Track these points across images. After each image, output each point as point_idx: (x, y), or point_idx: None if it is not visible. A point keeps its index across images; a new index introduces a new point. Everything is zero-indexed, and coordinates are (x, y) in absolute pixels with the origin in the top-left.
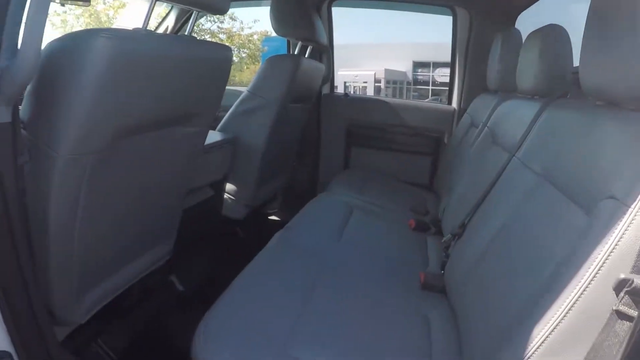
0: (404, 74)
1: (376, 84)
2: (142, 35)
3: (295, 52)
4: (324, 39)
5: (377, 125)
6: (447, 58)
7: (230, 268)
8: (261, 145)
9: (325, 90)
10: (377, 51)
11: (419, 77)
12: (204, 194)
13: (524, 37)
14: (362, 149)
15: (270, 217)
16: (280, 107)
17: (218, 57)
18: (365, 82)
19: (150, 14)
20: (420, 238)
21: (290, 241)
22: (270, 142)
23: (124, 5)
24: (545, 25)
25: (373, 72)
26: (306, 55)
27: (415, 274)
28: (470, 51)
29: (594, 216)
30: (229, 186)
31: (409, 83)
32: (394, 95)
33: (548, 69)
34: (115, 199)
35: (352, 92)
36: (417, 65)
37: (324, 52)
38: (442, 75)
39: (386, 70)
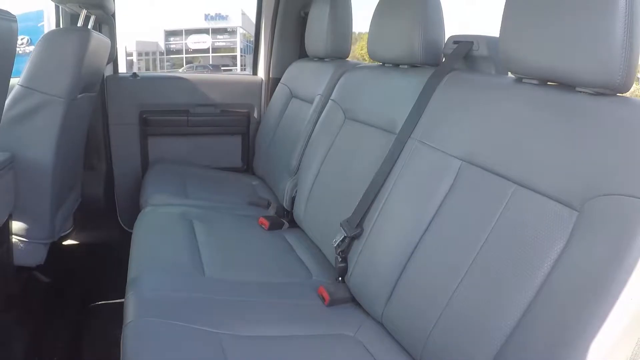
0: (156, 44)
1: (128, 58)
2: None
3: (79, 24)
4: (113, 6)
5: (176, 107)
6: (199, 24)
7: (53, 334)
8: (50, 160)
9: (108, 71)
10: (125, 22)
11: (172, 46)
12: None
13: None
14: (161, 138)
15: (65, 244)
16: (68, 102)
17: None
18: None
19: None
20: (280, 240)
21: (151, 302)
22: (60, 152)
23: None
24: None
25: (123, 45)
26: (90, 27)
27: (308, 291)
28: (280, 15)
29: (587, 214)
30: (17, 225)
31: (161, 53)
32: (147, 68)
33: (423, 36)
34: None
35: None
36: (169, 34)
37: (105, 22)
38: (195, 42)
39: (137, 42)
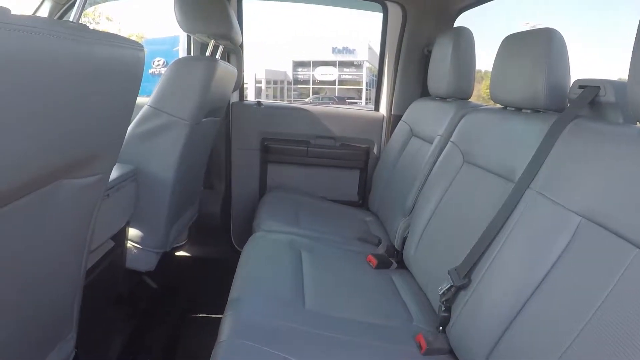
0: (284, 73)
1: (257, 85)
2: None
3: (207, 53)
4: (240, 37)
5: (297, 137)
6: (326, 57)
7: (151, 337)
8: (170, 176)
9: (234, 98)
10: (255, 51)
11: (299, 77)
12: (102, 248)
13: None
14: (280, 165)
15: (177, 254)
16: (192, 125)
17: (127, 59)
18: (246, 83)
19: None
20: (386, 280)
21: (248, 325)
22: (180, 170)
23: None
24: (539, 29)
25: (253, 73)
26: (218, 57)
27: (406, 337)
28: (403, 52)
29: None
30: (133, 232)
31: (289, 82)
32: (274, 96)
33: (547, 79)
34: None
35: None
36: (297, 64)
37: (233, 52)
38: (322, 74)
39: (267, 71)
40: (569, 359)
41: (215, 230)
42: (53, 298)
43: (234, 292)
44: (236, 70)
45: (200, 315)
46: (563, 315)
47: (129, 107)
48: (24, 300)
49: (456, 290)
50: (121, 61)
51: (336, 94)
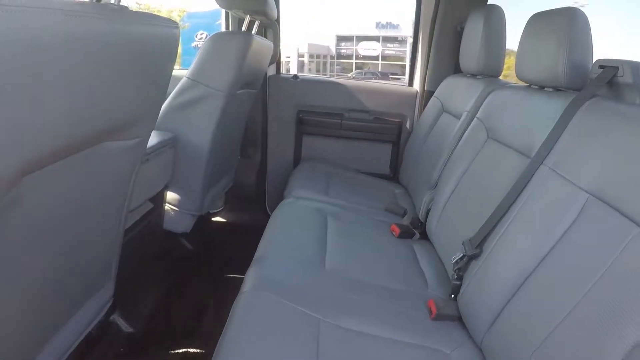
0: (327, 47)
1: (299, 59)
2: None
3: (243, 28)
4: (275, 12)
5: (332, 110)
6: (370, 32)
7: (183, 294)
8: (206, 144)
9: (271, 71)
10: (298, 24)
11: (343, 51)
12: (141, 209)
13: None
14: (315, 137)
15: (214, 220)
16: (228, 96)
17: (163, 36)
18: (288, 57)
19: None
20: (407, 248)
21: (269, 279)
22: (216, 139)
23: None
24: (563, 8)
25: (296, 47)
26: (254, 31)
27: (418, 302)
28: (437, 28)
29: None
30: (171, 195)
31: (332, 57)
32: (317, 70)
33: (568, 58)
34: (28, 255)
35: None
36: (341, 39)
37: (270, 27)
38: (365, 49)
39: (309, 45)
40: (565, 328)
41: (251, 198)
42: (94, 248)
43: (259, 252)
44: (272, 45)
45: (232, 275)
46: (563, 287)
47: (166, 78)
48: (67, 251)
49: (468, 260)
50: (157, 38)
51: (379, 69)
